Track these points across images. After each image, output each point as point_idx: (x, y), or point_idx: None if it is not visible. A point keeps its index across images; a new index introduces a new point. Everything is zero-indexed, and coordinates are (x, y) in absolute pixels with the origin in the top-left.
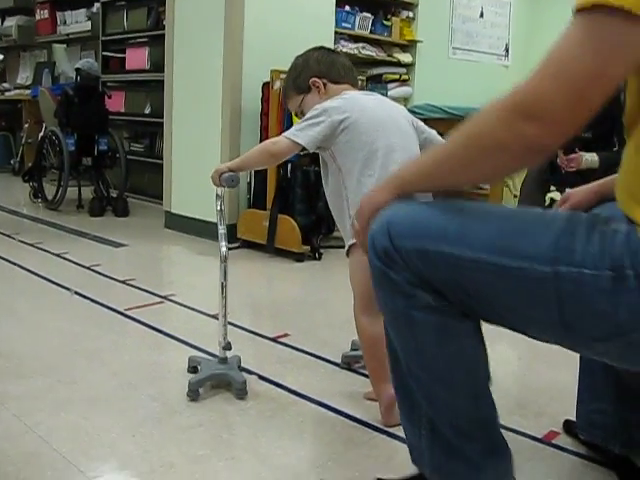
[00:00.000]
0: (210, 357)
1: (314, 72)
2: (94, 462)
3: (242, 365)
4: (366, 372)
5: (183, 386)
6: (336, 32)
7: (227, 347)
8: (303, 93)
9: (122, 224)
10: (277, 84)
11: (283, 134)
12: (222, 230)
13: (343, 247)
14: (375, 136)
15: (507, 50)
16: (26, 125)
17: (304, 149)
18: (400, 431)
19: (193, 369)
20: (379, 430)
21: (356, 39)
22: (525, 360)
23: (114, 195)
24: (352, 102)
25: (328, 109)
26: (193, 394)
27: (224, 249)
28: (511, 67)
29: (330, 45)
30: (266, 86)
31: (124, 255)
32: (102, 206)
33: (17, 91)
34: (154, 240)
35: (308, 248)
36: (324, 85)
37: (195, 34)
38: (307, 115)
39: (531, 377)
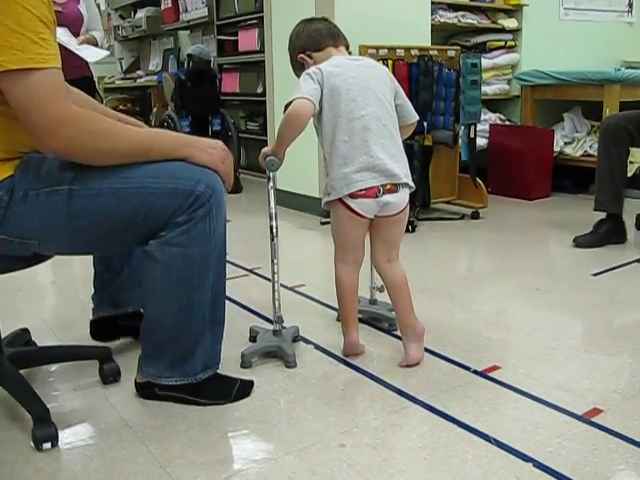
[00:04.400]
0: (269, 328)
1: (297, 49)
2: (143, 417)
3: (302, 335)
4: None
5: (238, 354)
6: (433, 2)
7: (278, 320)
8: (300, 69)
9: (233, 200)
10: None
11: (293, 97)
12: (273, 210)
13: (441, 219)
14: (353, 106)
15: (631, 5)
16: (154, 109)
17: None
18: (436, 403)
19: (253, 339)
20: (414, 400)
21: (455, 8)
22: (589, 336)
23: None
24: (336, 70)
25: (315, 71)
26: (245, 364)
27: (275, 227)
28: (636, 24)
29: (427, 16)
30: None
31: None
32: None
33: (147, 77)
34: (258, 215)
35: None
36: (309, 57)
37: (290, 13)
38: (300, 81)
39: (589, 354)
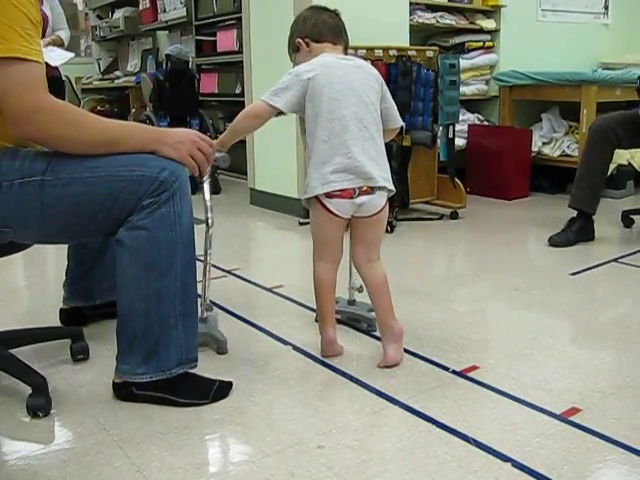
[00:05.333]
0: None
1: (300, 32)
2: (120, 420)
3: (280, 335)
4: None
5: (219, 357)
6: (411, 2)
7: (208, 308)
8: (295, 52)
9: (211, 201)
10: None
11: (261, 97)
12: (208, 203)
13: (420, 219)
14: (335, 105)
15: (607, 7)
16: (133, 110)
17: (280, 112)
18: (415, 403)
19: None
20: (393, 401)
21: (434, 8)
22: (567, 335)
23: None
24: (321, 69)
25: (299, 73)
26: None
27: (210, 219)
28: (612, 25)
29: (405, 17)
30: None
31: (203, 232)
32: (195, 184)
33: (125, 78)
34: (237, 216)
35: None
36: (307, 44)
37: (268, 14)
38: (282, 79)
39: (568, 353)
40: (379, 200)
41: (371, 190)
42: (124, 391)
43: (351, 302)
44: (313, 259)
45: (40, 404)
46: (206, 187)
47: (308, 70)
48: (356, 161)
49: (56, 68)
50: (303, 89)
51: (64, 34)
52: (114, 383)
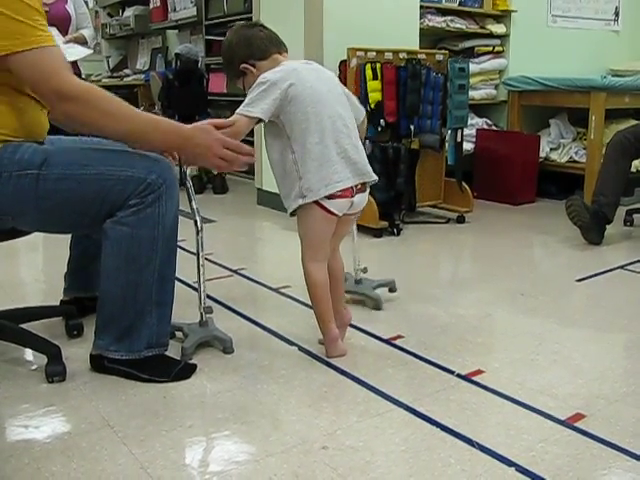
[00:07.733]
0: (189, 322)
1: (239, 58)
2: (125, 417)
3: (286, 336)
4: (403, 346)
5: (224, 356)
6: (422, 6)
7: (208, 311)
8: (241, 77)
9: (218, 201)
10: (353, 62)
11: (237, 111)
12: (195, 205)
13: (426, 223)
14: (320, 107)
15: (617, 13)
16: (141, 108)
17: (260, 120)
18: (420, 406)
19: (171, 335)
20: (397, 403)
21: (444, 12)
22: (572, 341)
23: (215, 173)
24: (294, 74)
25: (275, 80)
26: (187, 356)
27: (199, 222)
28: (622, 32)
29: (415, 20)
30: (343, 64)
31: (210, 231)
32: (202, 184)
33: (134, 76)
34: (243, 216)
35: (386, 224)
36: (253, 66)
37: (278, 15)
38: (254, 88)
39: (573, 359)
40: (366, 197)
41: (363, 187)
42: (97, 362)
43: (357, 281)
44: (305, 262)
45: (58, 370)
46: (190, 190)
47: (282, 78)
48: (349, 159)
49: (76, 66)
50: (281, 96)
51: (87, 32)
52: (91, 355)
